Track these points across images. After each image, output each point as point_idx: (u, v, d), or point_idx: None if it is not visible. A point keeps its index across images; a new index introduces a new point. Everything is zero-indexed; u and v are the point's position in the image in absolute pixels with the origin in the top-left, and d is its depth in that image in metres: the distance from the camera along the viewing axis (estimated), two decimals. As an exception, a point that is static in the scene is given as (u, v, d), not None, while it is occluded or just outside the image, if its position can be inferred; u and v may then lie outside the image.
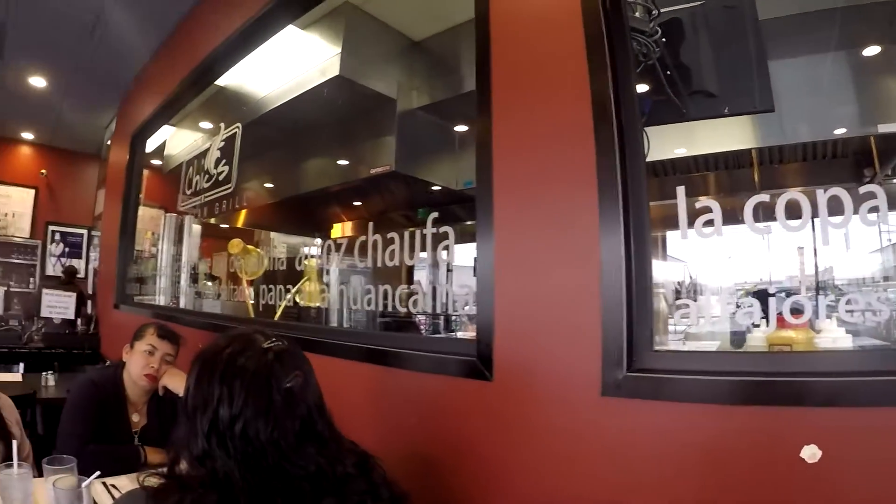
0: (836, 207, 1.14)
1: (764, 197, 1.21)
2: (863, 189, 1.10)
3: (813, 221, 1.18)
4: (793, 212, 1.17)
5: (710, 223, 1.22)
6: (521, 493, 1.40)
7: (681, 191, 1.26)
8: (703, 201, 1.23)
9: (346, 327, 2.43)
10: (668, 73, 1.76)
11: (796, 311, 1.22)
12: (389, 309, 1.99)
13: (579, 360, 1.27)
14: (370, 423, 1.78)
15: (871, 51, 2.25)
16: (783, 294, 1.22)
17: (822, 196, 1.13)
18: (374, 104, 3.20)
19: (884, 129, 2.18)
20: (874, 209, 1.08)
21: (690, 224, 1.25)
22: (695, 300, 1.30)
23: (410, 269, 2.22)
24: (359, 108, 3.32)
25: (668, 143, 2.47)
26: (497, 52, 1.61)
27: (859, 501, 1.08)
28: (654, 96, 1.72)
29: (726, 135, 2.46)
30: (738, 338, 1.43)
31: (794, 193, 1.19)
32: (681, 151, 2.51)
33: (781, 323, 1.22)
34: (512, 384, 1.41)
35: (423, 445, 1.67)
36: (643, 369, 1.20)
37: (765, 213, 1.24)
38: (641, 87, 1.64)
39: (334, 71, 3.00)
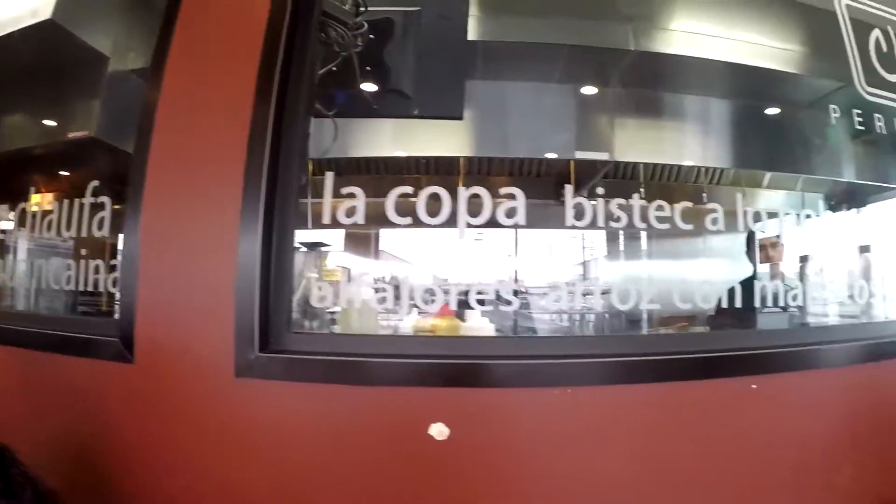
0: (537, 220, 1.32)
1: (408, 188, 1.33)
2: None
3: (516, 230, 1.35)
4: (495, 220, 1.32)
5: (352, 211, 1.33)
6: (170, 480, 1.36)
7: (329, 177, 1.35)
8: (349, 189, 1.33)
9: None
10: (368, 68, 1.85)
11: (442, 302, 1.37)
12: (92, 289, 1.82)
13: (215, 341, 1.27)
14: (13, 414, 1.62)
15: (589, 90, 2.59)
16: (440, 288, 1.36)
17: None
18: (87, 60, 2.91)
19: (580, 155, 2.54)
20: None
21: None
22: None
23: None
24: (70, 61, 3.00)
25: (387, 142, 2.61)
26: (185, 16, 1.56)
27: (487, 476, 1.24)
28: (349, 89, 1.81)
29: (444, 141, 2.66)
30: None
31: (437, 188, 1.33)
32: (401, 153, 2.68)
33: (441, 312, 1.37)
34: (154, 367, 1.36)
35: (71, 434, 1.55)
36: (279, 350, 1.25)
37: (448, 214, 1.38)
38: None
39: (46, 13, 2.67)
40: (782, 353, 1.41)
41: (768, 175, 2.30)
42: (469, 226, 1.33)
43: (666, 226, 1.43)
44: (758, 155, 2.10)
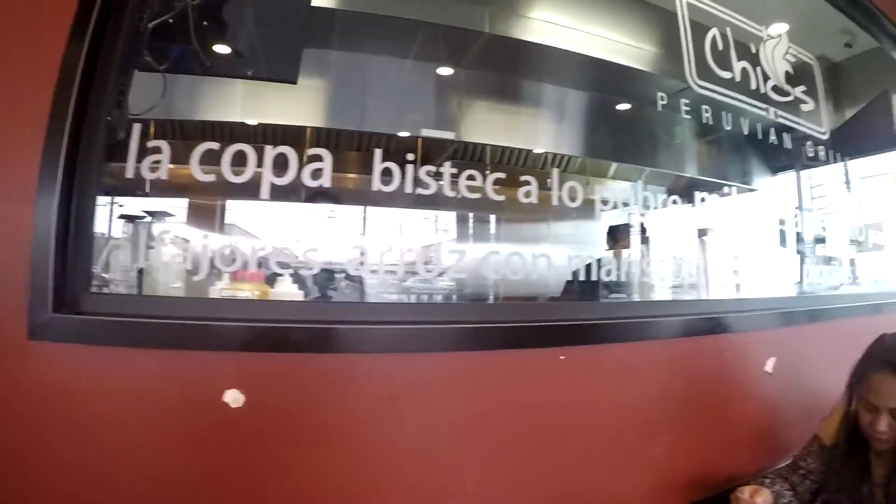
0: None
1: (213, 145, 1.31)
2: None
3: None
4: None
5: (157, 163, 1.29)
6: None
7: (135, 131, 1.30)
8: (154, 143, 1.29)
9: None
10: (205, 23, 1.79)
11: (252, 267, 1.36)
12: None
13: (7, 301, 1.19)
14: None
15: (445, 70, 2.61)
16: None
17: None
18: None
19: (427, 133, 2.58)
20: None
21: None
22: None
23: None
24: None
25: (235, 107, 2.52)
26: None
27: (283, 441, 1.24)
28: (183, 44, 1.74)
29: (291, 110, 2.62)
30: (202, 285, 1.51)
31: (242, 146, 1.32)
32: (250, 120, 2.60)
33: (239, 276, 1.35)
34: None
35: None
36: (75, 311, 1.19)
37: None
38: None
39: None
40: (592, 325, 1.52)
41: (614, 166, 2.46)
42: (273, 186, 1.35)
43: (476, 195, 1.51)
44: (606, 146, 2.24)
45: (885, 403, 1.52)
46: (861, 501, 1.64)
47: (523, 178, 1.56)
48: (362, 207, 2.79)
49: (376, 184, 1.43)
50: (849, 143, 3.02)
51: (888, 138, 3.37)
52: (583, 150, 2.23)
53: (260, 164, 1.38)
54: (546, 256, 1.60)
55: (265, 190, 1.35)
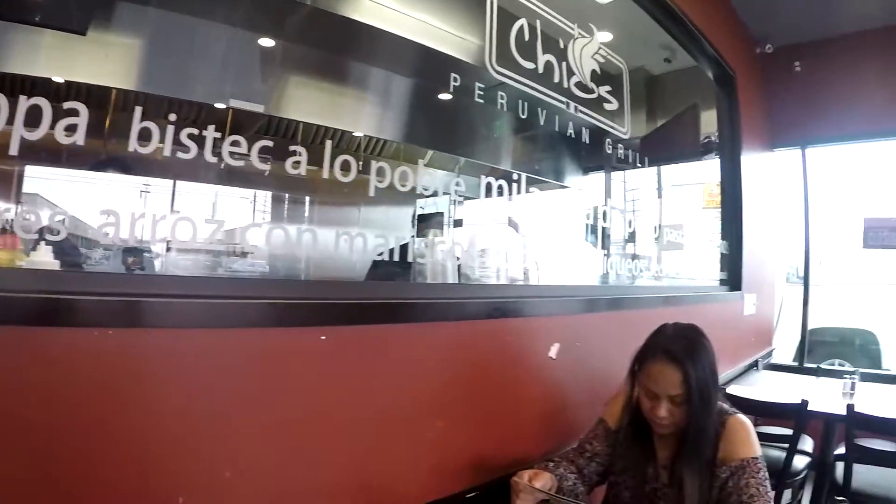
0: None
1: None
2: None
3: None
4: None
5: None
6: None
7: None
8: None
9: None
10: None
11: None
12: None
13: None
14: None
15: (266, 41, 2.47)
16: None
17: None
18: None
19: (235, 104, 2.42)
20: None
21: None
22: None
23: None
24: None
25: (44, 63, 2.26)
26: None
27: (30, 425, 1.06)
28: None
29: (108, 71, 2.39)
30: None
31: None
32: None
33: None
34: None
35: None
36: None
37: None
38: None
39: None
40: (362, 304, 1.44)
41: (430, 154, 2.44)
42: (65, 150, 1.20)
43: (241, 163, 1.43)
44: (425, 134, 2.21)
45: (664, 391, 1.60)
46: (646, 482, 1.73)
47: (337, 158, 1.51)
48: (171, 182, 2.60)
49: (178, 153, 1.31)
50: (659, 149, 3.26)
51: (693, 148, 3.69)
52: (401, 136, 2.20)
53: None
54: (351, 238, 1.55)
55: (15, 147, 1.18)
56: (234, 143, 1.40)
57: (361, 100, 2.13)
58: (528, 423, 1.91)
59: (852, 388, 3.49)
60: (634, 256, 3.12)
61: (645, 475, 1.73)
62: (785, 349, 5.51)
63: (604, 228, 2.65)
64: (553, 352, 1.96)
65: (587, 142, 2.25)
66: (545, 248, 2.27)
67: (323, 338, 1.31)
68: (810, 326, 6.24)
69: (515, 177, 2.07)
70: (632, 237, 3.22)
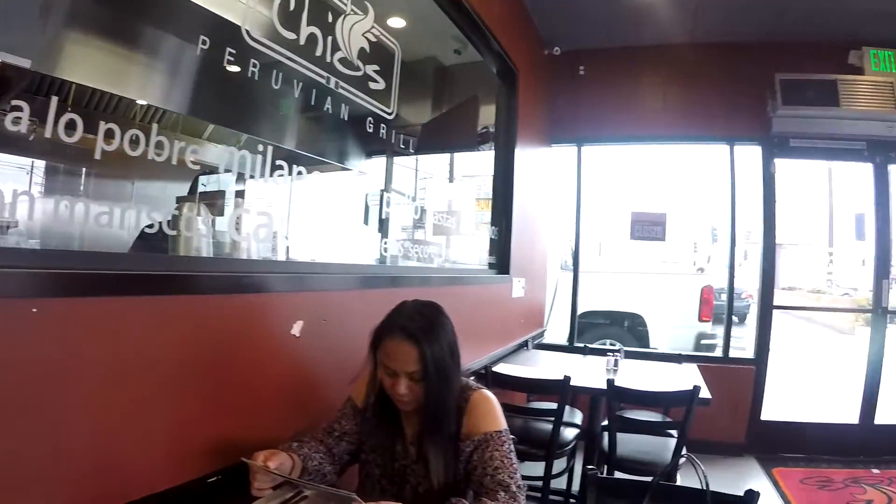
0: None
1: None
2: None
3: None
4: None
5: None
6: None
7: None
8: None
9: None
10: None
11: None
12: None
13: None
14: None
15: None
16: None
17: None
18: None
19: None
20: None
21: None
22: None
23: None
24: None
25: None
26: None
27: None
28: None
29: None
30: None
31: None
32: None
33: None
34: None
35: None
36: None
37: None
38: None
39: None
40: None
41: (211, 127, 2.30)
42: None
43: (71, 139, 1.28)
44: (209, 107, 2.05)
45: (401, 368, 1.62)
46: (395, 459, 1.74)
47: (109, 125, 1.37)
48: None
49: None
50: (439, 137, 3.39)
51: (470, 138, 3.89)
52: (182, 108, 2.03)
53: None
54: (121, 212, 1.42)
55: None
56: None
57: (139, 63, 1.95)
58: (275, 403, 1.87)
59: (615, 364, 3.81)
60: (413, 240, 3.22)
61: (393, 452, 1.75)
62: (561, 330, 5.97)
63: (383, 211, 2.71)
64: (296, 329, 1.92)
65: (347, 119, 2.20)
66: (317, 227, 2.25)
67: (34, 310, 1.20)
68: (585, 309, 6.89)
69: (294, 156, 2.03)
70: (417, 222, 3.33)
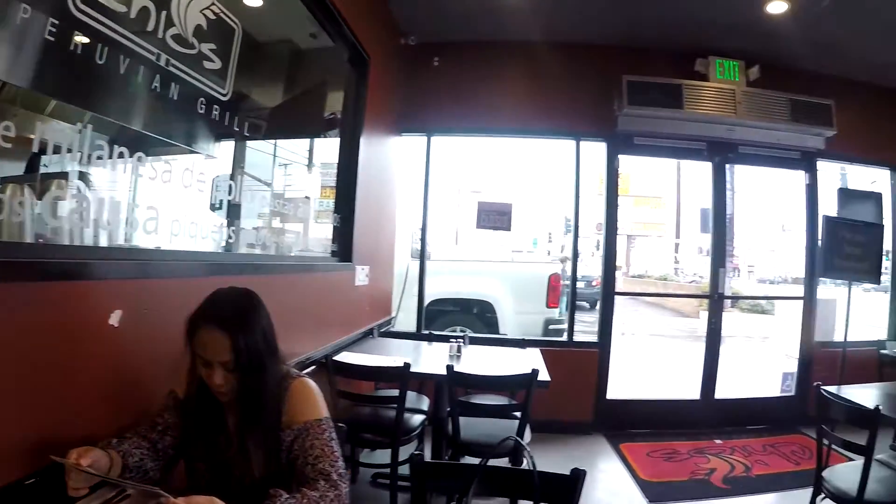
0: None
1: None
2: None
3: None
4: None
5: None
6: None
7: None
8: None
9: None
10: None
11: None
12: None
13: None
14: None
15: None
16: None
17: None
18: None
19: None
20: None
21: None
22: None
23: None
24: None
25: None
26: None
27: None
28: None
29: None
30: None
31: None
32: None
33: None
34: None
35: None
36: None
37: None
38: None
39: None
40: None
41: (53, 103, 2.10)
42: None
43: None
44: (31, 78, 1.85)
45: (215, 357, 1.60)
46: (220, 451, 1.72)
47: None
48: None
49: None
50: (286, 121, 3.34)
51: (317, 124, 3.85)
52: (29, 82, 1.81)
53: None
54: None
55: None
56: None
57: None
58: (95, 399, 1.76)
59: (458, 350, 3.93)
60: (262, 228, 3.16)
61: (217, 444, 1.73)
62: (413, 318, 6.05)
63: (232, 197, 2.66)
64: (114, 319, 1.81)
65: (177, 98, 2.11)
66: (155, 211, 2.13)
67: None
68: (436, 297, 7.06)
69: (131, 136, 1.94)
70: (273, 209, 3.28)
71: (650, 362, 9.88)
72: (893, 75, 5.99)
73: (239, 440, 1.71)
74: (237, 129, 2.66)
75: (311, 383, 1.80)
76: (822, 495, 2.96)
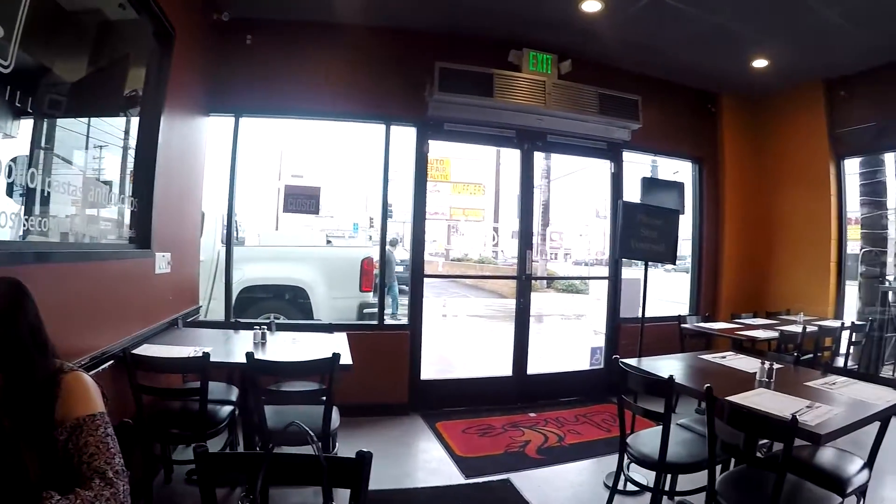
0: None
1: None
2: None
3: None
4: None
5: None
6: None
7: None
8: None
9: None
10: None
11: None
12: None
13: None
14: None
15: None
16: None
17: None
18: None
19: None
20: None
21: None
22: None
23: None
24: None
25: None
26: None
27: None
28: None
29: None
30: None
31: None
32: None
33: None
34: None
35: None
36: None
37: None
38: None
39: None
40: None
41: None
42: None
43: None
44: None
45: None
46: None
47: None
48: None
49: None
50: (85, 99, 3.07)
51: (115, 101, 3.59)
52: None
53: None
54: None
55: None
56: None
57: None
58: None
59: (263, 337, 3.88)
60: (55, 215, 2.87)
61: None
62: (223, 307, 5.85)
63: (29, 181, 2.43)
64: None
65: None
66: None
67: None
68: (247, 284, 6.89)
69: None
70: (82, 193, 3.02)
71: (469, 343, 10.23)
72: (692, 77, 6.89)
73: (9, 442, 1.57)
74: (28, 106, 2.42)
75: (86, 377, 1.70)
76: (629, 460, 3.24)
